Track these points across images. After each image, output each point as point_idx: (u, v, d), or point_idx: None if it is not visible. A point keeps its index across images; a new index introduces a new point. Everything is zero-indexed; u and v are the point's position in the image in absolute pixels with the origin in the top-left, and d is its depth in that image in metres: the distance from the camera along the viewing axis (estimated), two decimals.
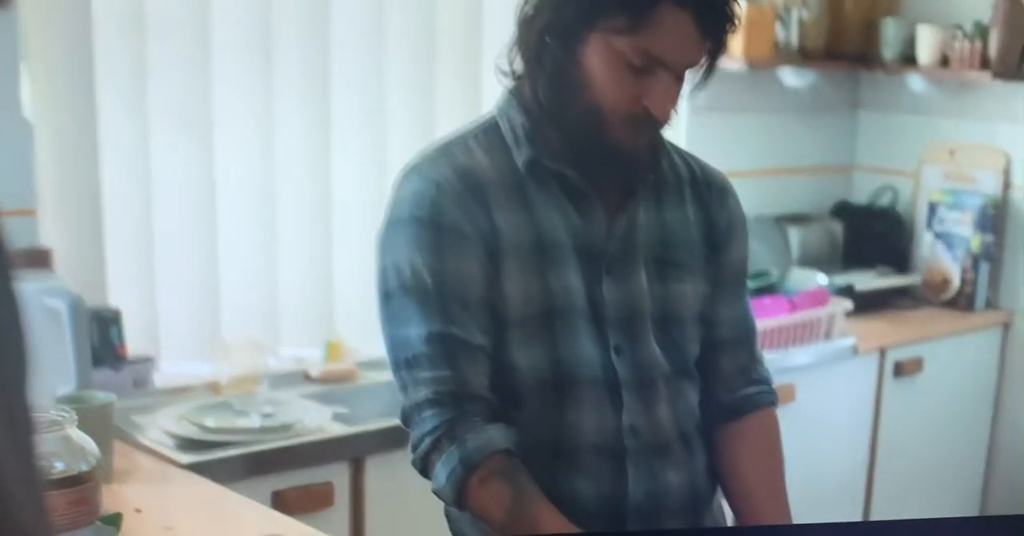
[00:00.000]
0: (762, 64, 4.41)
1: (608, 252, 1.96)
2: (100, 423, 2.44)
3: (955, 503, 4.62)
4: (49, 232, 3.10)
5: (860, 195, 4.93)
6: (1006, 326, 4.61)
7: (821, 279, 4.34)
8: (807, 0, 4.44)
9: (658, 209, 2.02)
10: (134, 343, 3.17)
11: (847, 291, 4.35)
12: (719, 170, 2.14)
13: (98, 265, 3.17)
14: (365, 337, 3.56)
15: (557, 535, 1.81)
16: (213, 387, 3.30)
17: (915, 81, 4.77)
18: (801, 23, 4.45)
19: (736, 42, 4.10)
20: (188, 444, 2.94)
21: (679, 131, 3.92)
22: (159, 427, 3.01)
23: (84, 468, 2.15)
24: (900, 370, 4.27)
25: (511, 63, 1.95)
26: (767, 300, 3.90)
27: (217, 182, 3.36)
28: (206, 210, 3.35)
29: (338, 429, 3.09)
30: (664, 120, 1.89)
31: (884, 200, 4.82)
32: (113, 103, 3.17)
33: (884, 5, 4.70)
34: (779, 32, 4.41)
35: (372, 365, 3.54)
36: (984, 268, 4.57)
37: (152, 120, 3.23)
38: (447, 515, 2.05)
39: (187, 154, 3.31)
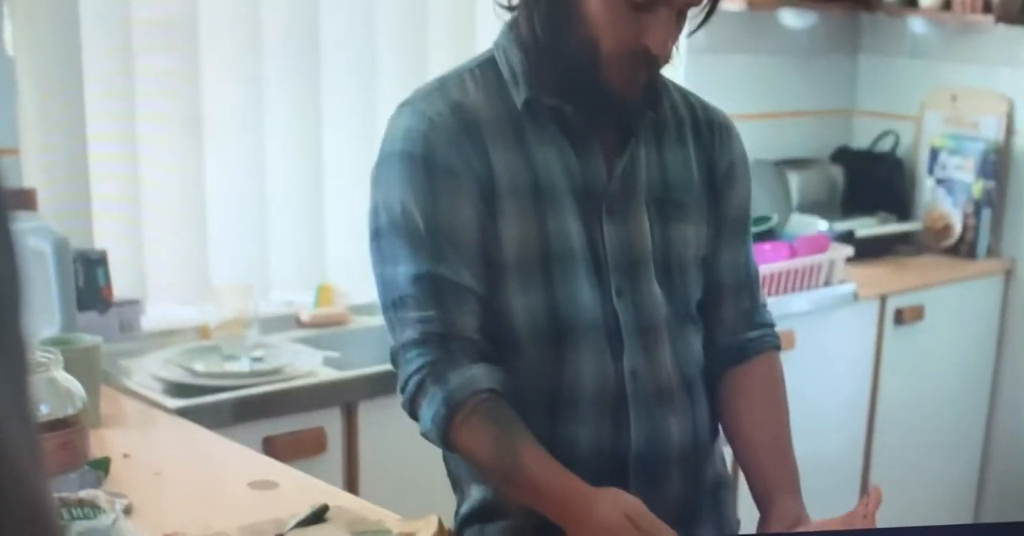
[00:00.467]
0: (762, 5, 4.36)
1: (608, 193, 1.91)
2: (86, 366, 2.40)
3: (956, 453, 4.60)
4: (33, 172, 3.03)
5: (861, 140, 4.88)
6: (1008, 274, 4.57)
7: (821, 225, 4.30)
8: None
9: (659, 149, 1.98)
10: (120, 286, 3.11)
11: (847, 237, 4.31)
12: (722, 110, 2.09)
13: (84, 207, 3.11)
14: (357, 281, 3.52)
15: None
16: (201, 331, 3.26)
17: (917, 24, 4.72)
18: None
19: None
20: (177, 388, 2.91)
21: (677, 73, 3.86)
22: (147, 371, 2.98)
23: (70, 411, 2.12)
24: (901, 318, 4.24)
25: None
26: (767, 246, 3.86)
27: (206, 122, 3.29)
28: (194, 150, 3.28)
29: (330, 374, 3.05)
30: (664, 58, 1.85)
31: (885, 145, 4.77)
32: (97, 39, 3.10)
33: None
34: None
35: (364, 309, 3.52)
36: (986, 215, 4.52)
37: (138, 56, 3.16)
38: (445, 458, 2.03)
39: (176, 92, 3.24)
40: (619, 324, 1.91)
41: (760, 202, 2.05)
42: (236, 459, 2.41)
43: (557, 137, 1.90)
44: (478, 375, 1.83)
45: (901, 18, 4.68)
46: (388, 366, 1.92)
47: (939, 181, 4.60)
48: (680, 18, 1.84)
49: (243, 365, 3.07)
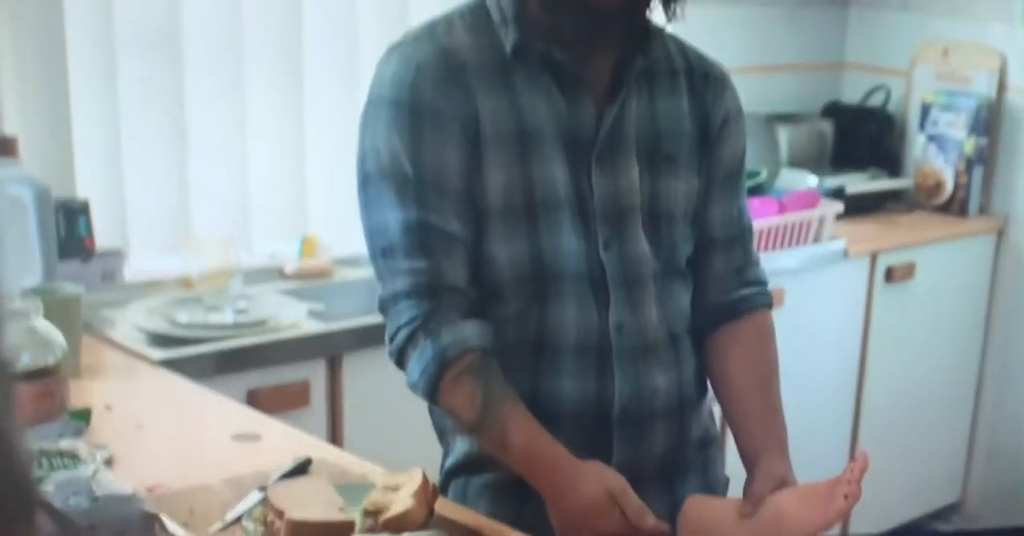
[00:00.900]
0: None
1: (597, 142, 1.89)
2: (67, 316, 2.39)
3: (946, 411, 4.60)
4: (14, 119, 2.99)
5: (851, 95, 4.85)
6: (1000, 233, 4.55)
7: (811, 180, 4.27)
8: None
9: (651, 100, 1.96)
10: (103, 236, 3.08)
11: (838, 193, 4.29)
12: (718, 61, 2.07)
13: (66, 156, 3.07)
14: (340, 233, 3.49)
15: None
16: (184, 282, 3.23)
17: None
18: None
19: None
20: (159, 339, 2.90)
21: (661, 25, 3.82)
22: (129, 322, 2.96)
23: (51, 361, 2.12)
24: (891, 275, 4.22)
25: None
26: (756, 201, 3.83)
27: (187, 70, 3.25)
28: (175, 99, 3.24)
29: (314, 326, 3.04)
30: None
31: (876, 100, 4.73)
32: None
33: None
34: None
35: (348, 262, 3.50)
36: (978, 172, 4.49)
37: (120, 4, 3.11)
38: (430, 410, 2.02)
39: (158, 37, 3.19)
40: (605, 276, 1.90)
41: (749, 157, 2.03)
42: (219, 411, 2.40)
43: (546, 83, 1.88)
44: (469, 334, 1.82)
45: None
46: (373, 319, 1.91)
47: (930, 137, 4.57)
48: None
49: (226, 317, 3.05)
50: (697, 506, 1.90)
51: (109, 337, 2.86)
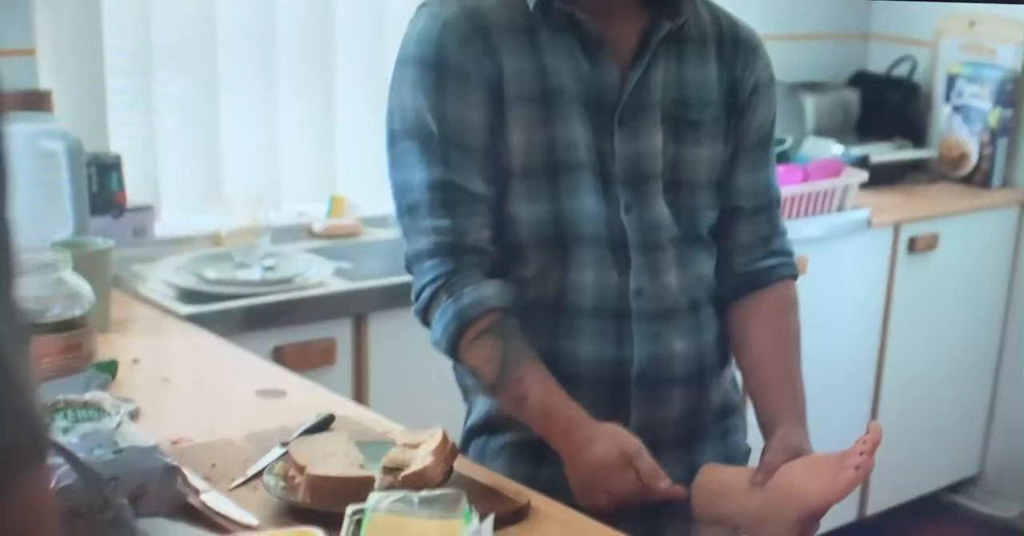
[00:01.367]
0: None
1: (621, 105, 1.89)
2: (97, 269, 2.40)
3: (966, 383, 4.60)
4: (49, 73, 3.01)
5: (878, 64, 4.83)
6: (1022, 205, 4.54)
7: (836, 149, 4.27)
8: None
9: (679, 67, 1.95)
10: (134, 192, 3.10)
11: (862, 162, 4.28)
12: (751, 27, 2.06)
13: (99, 111, 3.10)
14: (368, 193, 3.51)
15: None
16: (214, 238, 3.25)
17: None
18: None
19: None
20: (188, 295, 2.91)
21: None
22: (159, 277, 2.98)
23: (78, 313, 2.12)
24: (914, 246, 4.22)
25: None
26: (780, 169, 3.80)
27: (220, 28, 3.26)
28: (208, 57, 3.26)
29: (341, 285, 3.05)
30: None
31: (902, 70, 4.72)
32: None
33: None
34: None
35: (376, 222, 3.51)
36: (1002, 144, 4.49)
37: None
38: (454, 367, 2.04)
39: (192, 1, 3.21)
40: (626, 240, 1.91)
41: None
42: (245, 367, 2.40)
43: (571, 44, 1.89)
44: (491, 294, 1.84)
45: None
46: (399, 278, 1.92)
47: (955, 108, 4.56)
48: None
49: (255, 273, 3.07)
50: (711, 474, 1.90)
51: (139, 292, 2.87)
